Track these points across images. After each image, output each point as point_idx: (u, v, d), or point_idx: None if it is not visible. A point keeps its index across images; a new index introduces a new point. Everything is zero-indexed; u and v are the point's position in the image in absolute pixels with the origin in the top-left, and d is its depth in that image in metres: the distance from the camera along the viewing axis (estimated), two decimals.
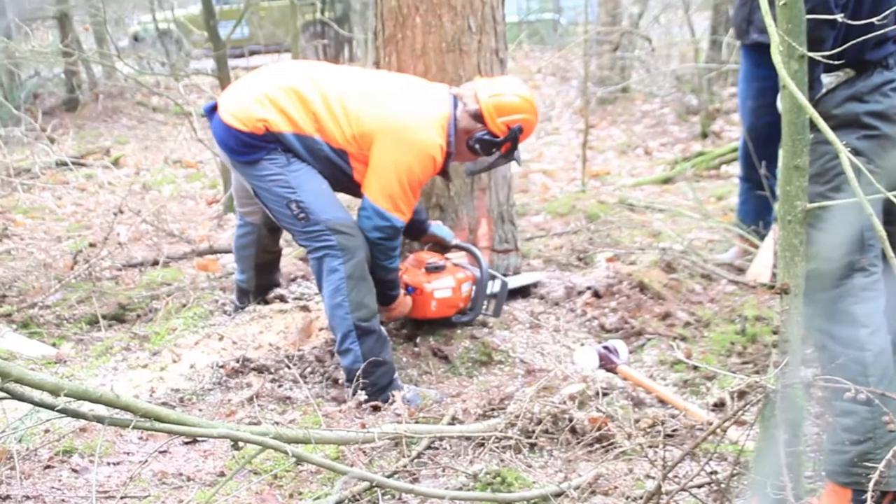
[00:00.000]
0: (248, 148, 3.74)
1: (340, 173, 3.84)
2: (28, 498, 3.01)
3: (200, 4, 7.67)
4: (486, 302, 4.36)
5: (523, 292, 4.94)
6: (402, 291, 4.08)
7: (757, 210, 5.44)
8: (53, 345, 4.62)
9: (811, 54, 2.20)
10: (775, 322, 2.28)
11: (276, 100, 3.73)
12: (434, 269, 4.19)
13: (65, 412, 2.43)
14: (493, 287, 4.37)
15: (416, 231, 4.29)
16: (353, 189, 3.93)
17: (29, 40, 11.31)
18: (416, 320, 4.32)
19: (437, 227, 4.37)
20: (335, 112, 3.73)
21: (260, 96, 3.75)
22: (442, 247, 4.40)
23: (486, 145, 3.92)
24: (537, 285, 4.98)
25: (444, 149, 3.82)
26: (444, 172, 4.01)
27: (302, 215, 3.76)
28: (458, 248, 4.41)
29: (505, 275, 4.65)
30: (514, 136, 3.91)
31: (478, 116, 3.87)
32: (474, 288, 4.29)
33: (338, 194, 3.92)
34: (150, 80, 11.90)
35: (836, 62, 2.33)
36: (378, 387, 3.77)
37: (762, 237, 5.25)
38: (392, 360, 3.89)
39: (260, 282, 4.63)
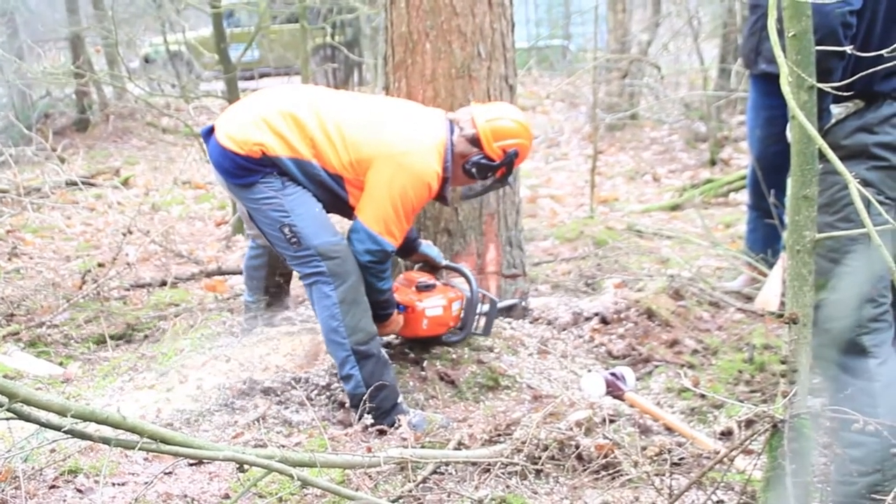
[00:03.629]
0: (243, 171, 3.74)
1: (336, 198, 3.85)
2: None
3: (211, 27, 7.73)
4: (476, 321, 4.36)
5: (529, 318, 4.94)
6: (395, 310, 4.08)
7: (765, 238, 5.44)
8: (61, 364, 4.63)
9: (820, 85, 2.21)
10: (784, 351, 2.28)
11: (274, 124, 3.73)
12: (425, 288, 4.19)
13: (71, 433, 2.43)
14: (483, 307, 4.37)
15: (406, 250, 4.29)
16: (348, 213, 3.93)
17: (41, 61, 11.40)
18: (408, 339, 4.34)
19: (427, 247, 4.37)
20: (332, 138, 3.74)
21: (258, 120, 3.75)
22: (432, 266, 4.40)
23: (482, 169, 3.93)
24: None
25: (441, 175, 3.83)
26: (441, 198, 4.02)
27: (294, 240, 3.77)
28: (448, 268, 4.40)
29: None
30: (510, 161, 3.92)
31: (474, 141, 3.88)
32: (464, 307, 4.29)
33: (332, 216, 3.94)
34: (161, 101, 11.97)
35: (845, 93, 2.34)
36: (382, 410, 3.77)
37: (770, 265, 5.24)
38: (395, 383, 3.88)
39: (268, 304, 4.63)
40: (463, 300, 4.27)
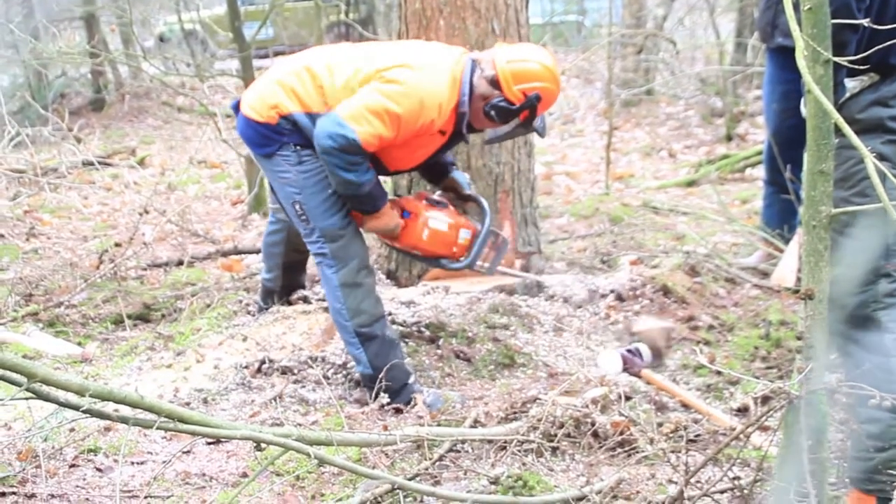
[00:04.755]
0: (264, 139, 3.76)
1: None
2: (53, 496, 3.04)
3: (226, 5, 7.71)
4: (483, 257, 4.20)
5: (545, 295, 4.94)
6: (387, 204, 3.87)
7: (781, 214, 5.41)
8: (79, 344, 4.65)
9: (836, 59, 2.19)
10: (800, 327, 2.27)
11: (287, 82, 3.73)
12: (434, 203, 4.07)
13: (90, 412, 2.45)
14: (492, 242, 4.24)
15: (437, 173, 4.22)
16: (376, 167, 3.82)
17: (56, 41, 11.42)
18: (407, 251, 4.17)
19: (459, 174, 4.25)
20: (343, 78, 3.66)
21: (272, 84, 3.77)
22: (456, 194, 4.24)
23: (501, 113, 3.75)
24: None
25: (444, 105, 3.66)
26: (459, 135, 3.88)
27: (304, 217, 3.79)
28: (470, 197, 4.25)
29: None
30: (532, 105, 3.72)
31: (495, 83, 3.72)
32: (474, 239, 4.11)
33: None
34: (176, 80, 11.95)
35: (860, 67, 2.32)
36: (391, 389, 3.76)
37: (787, 241, 5.22)
38: (404, 362, 3.88)
39: (286, 282, 4.64)
40: (472, 231, 4.10)
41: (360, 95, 3.59)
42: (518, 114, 3.76)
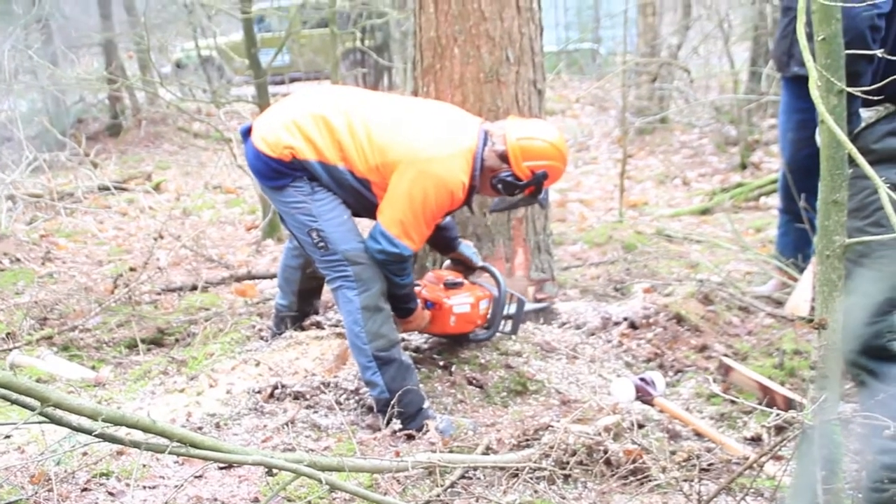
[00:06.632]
0: (275, 174, 3.78)
1: (365, 201, 3.86)
2: None
3: (242, 32, 7.77)
4: (503, 320, 4.38)
5: (558, 322, 4.94)
6: (419, 304, 4.10)
7: (796, 242, 5.40)
8: (93, 368, 4.66)
9: (850, 89, 2.20)
10: (813, 356, 2.27)
11: (304, 127, 3.75)
12: (453, 286, 4.23)
13: (102, 437, 2.45)
14: (510, 308, 4.39)
15: (444, 247, 4.34)
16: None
17: (74, 67, 11.51)
18: (436, 336, 4.41)
19: (466, 247, 4.38)
20: (360, 142, 3.74)
21: (289, 123, 3.77)
22: (466, 267, 4.41)
23: (508, 187, 3.89)
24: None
25: (466, 185, 3.81)
26: (468, 205, 4.02)
27: (321, 244, 3.80)
28: (482, 269, 4.41)
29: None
30: (538, 181, 3.87)
31: (504, 157, 3.84)
32: (492, 306, 4.31)
33: (362, 220, 3.97)
34: (192, 106, 12.04)
35: (875, 97, 2.33)
36: (406, 415, 3.78)
37: (801, 270, 5.21)
38: (419, 387, 3.89)
39: (300, 308, 4.65)
40: (490, 299, 4.29)
41: (400, 203, 3.73)
42: (524, 189, 3.92)
